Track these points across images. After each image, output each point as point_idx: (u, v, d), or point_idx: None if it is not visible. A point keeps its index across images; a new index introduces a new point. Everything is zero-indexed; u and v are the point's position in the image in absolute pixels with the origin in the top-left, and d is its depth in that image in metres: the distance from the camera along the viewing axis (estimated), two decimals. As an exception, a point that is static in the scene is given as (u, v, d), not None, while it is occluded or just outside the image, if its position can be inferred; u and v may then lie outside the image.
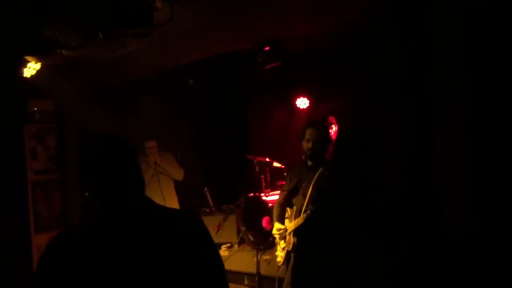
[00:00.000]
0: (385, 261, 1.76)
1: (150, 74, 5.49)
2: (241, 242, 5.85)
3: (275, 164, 5.79)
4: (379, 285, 1.75)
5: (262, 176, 5.89)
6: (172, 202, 5.36)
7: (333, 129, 5.80)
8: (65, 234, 1.61)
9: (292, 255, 3.73)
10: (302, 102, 6.61)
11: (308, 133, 3.72)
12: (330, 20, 3.93)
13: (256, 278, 4.94)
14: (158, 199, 5.01)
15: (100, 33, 3.24)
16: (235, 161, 6.49)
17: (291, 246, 3.73)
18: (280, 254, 3.92)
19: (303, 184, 3.77)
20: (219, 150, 6.83)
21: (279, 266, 4.08)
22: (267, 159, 5.73)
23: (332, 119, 5.85)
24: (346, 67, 5.33)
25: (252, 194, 5.72)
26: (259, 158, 5.77)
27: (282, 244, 3.90)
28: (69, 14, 3.55)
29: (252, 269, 5.09)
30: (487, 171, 2.82)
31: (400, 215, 1.86)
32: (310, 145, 3.70)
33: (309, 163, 3.79)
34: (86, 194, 1.60)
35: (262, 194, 5.79)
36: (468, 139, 2.95)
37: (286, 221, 3.88)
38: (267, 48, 4.72)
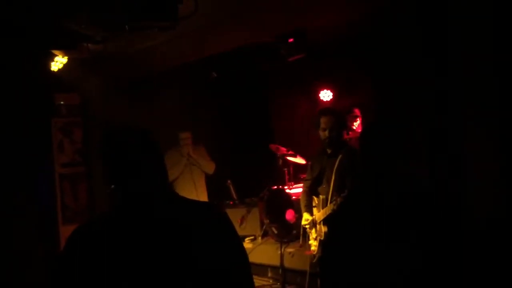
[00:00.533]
0: (411, 256, 1.73)
1: (175, 67, 5.51)
2: (264, 234, 5.85)
3: (291, 158, 5.76)
4: (404, 280, 1.72)
5: (286, 169, 5.88)
6: (203, 194, 5.39)
7: (358, 122, 5.75)
8: (85, 226, 1.61)
9: None
10: (326, 95, 6.56)
11: (323, 122, 3.71)
12: (356, 8, 3.87)
13: (280, 270, 4.95)
14: (190, 190, 5.12)
15: (126, 26, 3.25)
16: (258, 154, 6.48)
17: (323, 235, 3.71)
18: (313, 243, 3.92)
19: (326, 172, 3.78)
20: (242, 143, 6.84)
21: (313, 255, 4.08)
22: (290, 152, 5.70)
23: (357, 111, 5.80)
24: (370, 59, 5.26)
25: (275, 187, 5.71)
26: (282, 150, 5.75)
27: (313, 233, 3.89)
28: (95, 7, 3.58)
29: (275, 261, 5.09)
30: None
31: (428, 209, 1.82)
32: (327, 133, 3.70)
33: (328, 150, 3.79)
34: (113, 186, 1.60)
35: (286, 187, 5.78)
36: (495, 130, 2.89)
37: (314, 210, 3.87)
38: (291, 40, 4.67)
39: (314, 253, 3.97)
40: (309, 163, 4.17)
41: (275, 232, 5.57)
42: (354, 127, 5.67)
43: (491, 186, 2.90)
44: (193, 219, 1.59)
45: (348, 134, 5.57)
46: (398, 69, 4.40)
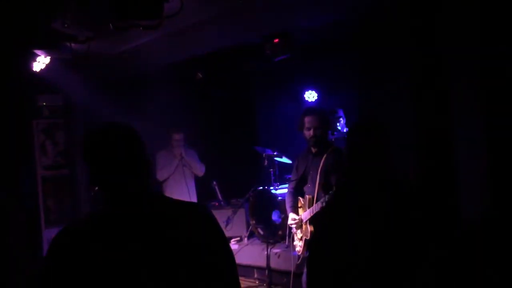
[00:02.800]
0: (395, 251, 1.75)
1: (160, 68, 5.48)
2: (250, 235, 5.85)
3: (277, 158, 5.77)
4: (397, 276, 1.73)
5: (271, 169, 5.88)
6: (194, 196, 5.43)
7: (341, 122, 5.79)
8: (70, 228, 1.58)
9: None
10: (310, 95, 6.59)
11: (307, 121, 3.71)
12: (342, 9, 3.89)
13: (266, 271, 4.94)
14: (183, 191, 5.14)
15: (110, 25, 3.22)
16: (244, 154, 6.48)
17: (309, 235, 3.71)
18: (298, 244, 3.91)
19: (311, 172, 3.78)
20: (227, 144, 6.83)
21: (298, 256, 4.08)
22: (276, 152, 5.71)
23: (340, 112, 5.84)
24: (355, 59, 5.30)
25: (261, 188, 5.71)
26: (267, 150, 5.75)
27: (299, 234, 3.89)
28: (78, 6, 3.54)
29: (262, 262, 5.08)
30: (506, 161, 2.80)
31: (418, 209, 1.85)
32: (311, 132, 3.70)
33: (313, 150, 3.79)
34: (96, 188, 1.57)
35: (271, 188, 5.78)
36: (486, 128, 2.92)
37: (300, 210, 3.88)
38: (276, 41, 4.67)
39: (299, 253, 3.98)
40: (294, 163, 4.17)
41: (261, 233, 5.57)
42: (339, 128, 5.71)
43: (483, 181, 2.93)
44: (179, 218, 1.57)
45: (333, 134, 5.60)
46: (383, 69, 4.43)
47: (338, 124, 5.73)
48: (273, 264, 5.00)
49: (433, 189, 3.20)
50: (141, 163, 1.58)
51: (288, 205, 3.99)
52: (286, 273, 4.72)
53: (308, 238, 3.74)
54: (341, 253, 1.81)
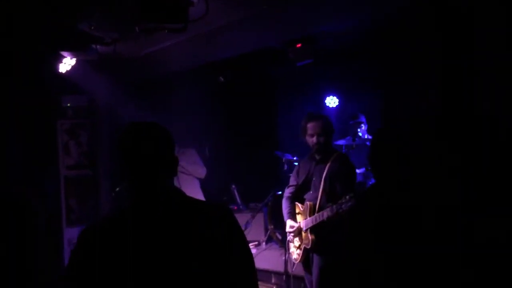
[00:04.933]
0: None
1: (183, 70, 5.51)
2: (268, 240, 5.83)
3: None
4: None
5: (291, 174, 5.85)
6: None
7: (363, 128, 5.73)
8: (95, 226, 1.61)
9: (314, 254, 3.64)
10: (332, 101, 6.56)
11: (310, 128, 3.63)
12: (364, 15, 3.87)
13: (284, 276, 4.91)
14: None
15: (136, 28, 3.27)
16: (264, 158, 6.47)
17: (310, 244, 3.58)
18: (296, 252, 3.80)
19: (314, 178, 3.67)
20: (247, 148, 6.83)
21: (293, 263, 3.97)
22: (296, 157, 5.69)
23: (362, 117, 5.79)
24: (377, 64, 5.25)
25: (280, 193, 5.69)
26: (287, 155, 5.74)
27: (296, 242, 3.77)
28: (105, 8, 3.60)
29: (279, 267, 5.05)
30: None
31: (437, 217, 1.83)
32: (315, 139, 3.60)
33: (317, 156, 3.69)
34: (117, 189, 1.60)
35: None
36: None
37: (298, 217, 3.76)
38: (299, 45, 4.67)
39: (297, 261, 3.85)
40: (295, 168, 4.06)
41: (279, 237, 5.54)
42: (360, 134, 5.65)
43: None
44: (201, 217, 1.59)
45: (354, 140, 5.55)
46: (405, 75, 4.38)
47: (359, 130, 5.67)
48: (290, 270, 4.97)
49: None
50: (170, 162, 1.61)
51: (285, 211, 3.86)
52: (304, 279, 4.69)
53: (308, 247, 3.61)
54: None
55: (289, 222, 3.79)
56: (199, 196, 5.24)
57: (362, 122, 5.71)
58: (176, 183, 5.09)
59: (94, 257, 1.50)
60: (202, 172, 5.08)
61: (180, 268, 1.49)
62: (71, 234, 5.50)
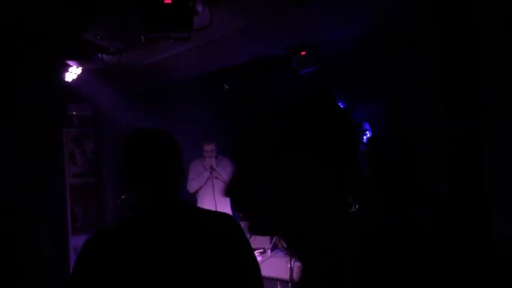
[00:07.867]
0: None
1: (188, 79, 5.54)
2: (274, 248, 5.81)
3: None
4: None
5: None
6: (224, 209, 5.31)
7: (367, 135, 5.73)
8: (101, 233, 1.61)
9: None
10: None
11: None
12: (368, 22, 3.88)
13: (289, 284, 4.89)
14: (209, 205, 5.02)
15: (142, 37, 3.30)
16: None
17: None
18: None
19: None
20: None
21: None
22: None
23: (366, 125, 5.78)
24: (382, 71, 5.27)
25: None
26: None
27: None
28: (110, 18, 3.63)
29: (285, 275, 5.03)
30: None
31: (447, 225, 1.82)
32: None
33: None
34: (123, 197, 1.60)
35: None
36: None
37: None
38: (303, 53, 4.68)
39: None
40: None
41: (285, 245, 5.53)
42: (365, 142, 5.64)
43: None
44: (206, 226, 1.58)
45: (359, 147, 5.54)
46: (409, 82, 4.38)
47: (363, 137, 5.67)
48: (296, 277, 4.95)
49: (463, 204, 3.12)
50: (177, 171, 1.60)
51: None
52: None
53: None
54: None
55: None
56: (227, 204, 5.29)
57: (366, 130, 5.71)
58: (210, 189, 5.15)
59: (98, 265, 1.49)
60: None
61: (186, 278, 1.48)
62: (76, 242, 5.51)
